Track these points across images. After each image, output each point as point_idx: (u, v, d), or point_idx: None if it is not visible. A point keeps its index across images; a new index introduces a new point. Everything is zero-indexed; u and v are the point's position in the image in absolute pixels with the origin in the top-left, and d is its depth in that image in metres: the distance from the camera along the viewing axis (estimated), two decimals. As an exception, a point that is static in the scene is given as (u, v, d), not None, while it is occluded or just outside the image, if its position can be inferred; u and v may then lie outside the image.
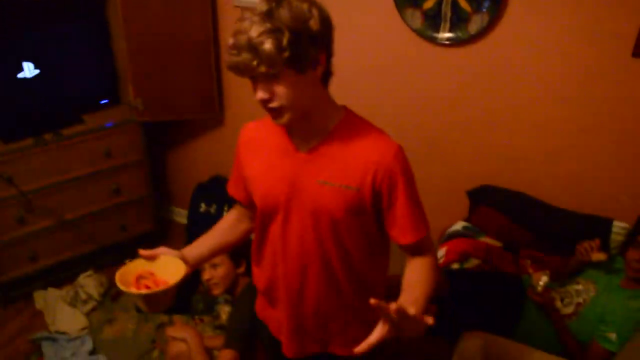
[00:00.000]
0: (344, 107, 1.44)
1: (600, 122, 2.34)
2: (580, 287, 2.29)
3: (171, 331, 2.44)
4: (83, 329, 2.93)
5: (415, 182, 1.43)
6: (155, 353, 2.73)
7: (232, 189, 1.65)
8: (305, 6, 1.22)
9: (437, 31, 2.44)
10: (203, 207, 3.31)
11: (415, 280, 1.41)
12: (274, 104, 1.27)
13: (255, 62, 1.18)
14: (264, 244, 1.56)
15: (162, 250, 1.50)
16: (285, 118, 1.30)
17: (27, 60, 2.81)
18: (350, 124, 1.41)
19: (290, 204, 1.42)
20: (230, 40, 1.21)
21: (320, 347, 1.63)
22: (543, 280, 2.23)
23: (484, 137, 2.58)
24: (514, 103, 2.46)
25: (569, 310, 2.26)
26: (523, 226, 2.54)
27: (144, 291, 1.38)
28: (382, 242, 1.53)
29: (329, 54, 1.31)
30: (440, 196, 2.77)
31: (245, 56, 1.18)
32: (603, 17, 2.17)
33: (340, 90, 2.79)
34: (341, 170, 1.37)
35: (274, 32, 1.17)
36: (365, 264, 1.51)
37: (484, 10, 2.31)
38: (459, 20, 2.38)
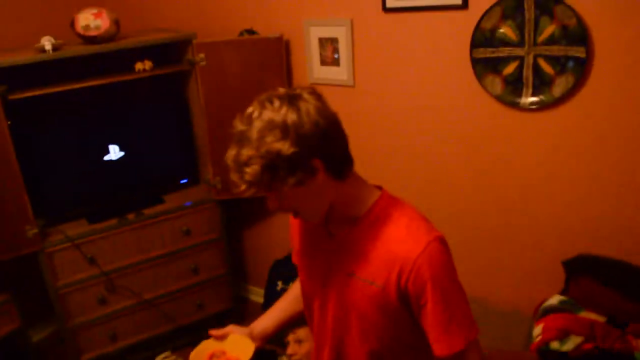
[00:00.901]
0: (380, 191, 1.33)
1: None
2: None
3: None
4: (161, 411, 2.84)
5: (453, 280, 1.25)
6: None
7: (295, 258, 1.61)
8: (276, 133, 1.13)
9: (520, 96, 2.36)
10: (280, 285, 3.24)
11: None
12: (287, 211, 1.26)
13: (243, 185, 1.18)
14: (311, 321, 1.51)
15: (231, 328, 1.55)
16: (306, 219, 1.30)
17: (113, 143, 2.93)
18: (383, 210, 1.29)
19: (326, 292, 1.37)
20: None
21: None
22: None
23: (575, 203, 2.42)
24: (605, 166, 2.30)
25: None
26: (630, 298, 2.31)
27: None
28: (420, 345, 1.32)
29: (328, 154, 1.20)
30: (531, 267, 2.60)
31: (233, 176, 1.19)
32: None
33: (423, 162, 2.72)
34: (367, 264, 1.26)
35: (252, 158, 1.15)
36: None
37: (568, 72, 2.22)
38: (541, 83, 2.30)
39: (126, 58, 2.90)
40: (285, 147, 1.13)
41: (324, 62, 2.88)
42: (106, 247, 2.90)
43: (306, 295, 1.47)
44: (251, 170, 1.14)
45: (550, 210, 2.48)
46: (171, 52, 3.04)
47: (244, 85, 2.96)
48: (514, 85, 2.36)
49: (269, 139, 1.13)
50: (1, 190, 2.57)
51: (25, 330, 2.92)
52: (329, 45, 2.84)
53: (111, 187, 3.04)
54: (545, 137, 2.39)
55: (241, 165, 1.16)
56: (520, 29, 2.28)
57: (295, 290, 1.64)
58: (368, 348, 1.33)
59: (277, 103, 1.16)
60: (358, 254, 1.28)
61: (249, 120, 1.17)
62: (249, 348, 1.46)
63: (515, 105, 2.38)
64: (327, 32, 2.82)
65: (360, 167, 2.82)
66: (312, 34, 2.88)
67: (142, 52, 2.92)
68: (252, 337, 1.54)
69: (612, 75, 2.18)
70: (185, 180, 3.20)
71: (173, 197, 3.12)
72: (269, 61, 2.96)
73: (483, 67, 2.40)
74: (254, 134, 1.14)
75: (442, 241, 1.24)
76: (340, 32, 2.77)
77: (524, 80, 2.33)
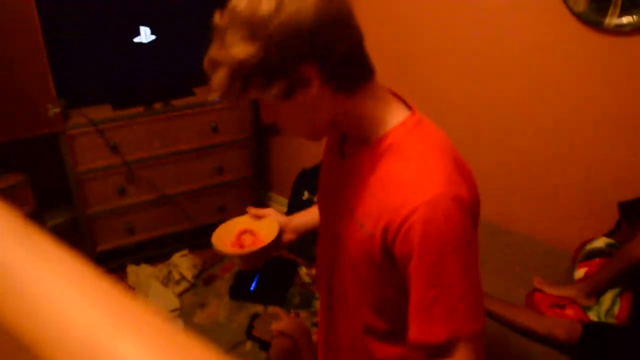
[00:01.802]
0: (408, 112, 1.02)
1: None
2: None
3: (278, 326, 2.23)
4: (174, 310, 2.77)
5: (453, 258, 0.90)
6: (249, 345, 2.54)
7: None
8: (243, 33, 0.88)
9: (605, 16, 2.10)
10: (306, 194, 3.09)
11: None
12: (281, 127, 1.06)
13: (213, 93, 0.97)
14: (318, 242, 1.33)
15: (269, 211, 1.44)
16: (304, 137, 1.09)
17: (144, 24, 2.69)
18: (399, 140, 0.98)
19: (330, 213, 1.20)
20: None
21: None
22: None
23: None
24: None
25: None
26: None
27: (237, 251, 1.38)
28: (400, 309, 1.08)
29: (325, 58, 0.91)
30: (585, 204, 2.42)
31: (212, 80, 0.96)
32: None
33: (480, 81, 2.48)
34: (363, 201, 1.01)
35: (219, 63, 0.92)
36: (382, 324, 1.13)
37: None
38: (632, 4, 2.03)
39: None
40: (251, 52, 0.87)
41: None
42: (130, 135, 2.74)
43: (321, 221, 1.30)
44: (217, 78, 0.93)
45: (617, 145, 2.28)
46: None
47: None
48: (600, 2, 2.09)
49: (234, 39, 0.88)
50: (24, 64, 2.38)
51: (40, 215, 2.80)
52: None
53: (139, 73, 2.83)
54: (627, 67, 2.15)
55: (209, 69, 0.96)
56: None
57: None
58: (357, 291, 1.12)
59: None
60: (358, 186, 1.03)
61: (227, 11, 0.92)
62: (273, 232, 1.37)
63: (599, 26, 2.12)
64: None
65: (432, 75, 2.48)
66: None
67: None
68: (288, 228, 1.43)
69: None
70: (217, 74, 2.99)
71: (204, 90, 2.91)
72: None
73: (569, -22, 2.13)
74: (223, 31, 0.91)
75: (459, 201, 0.90)
76: None
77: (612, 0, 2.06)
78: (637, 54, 2.09)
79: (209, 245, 3.18)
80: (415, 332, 0.95)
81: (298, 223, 1.45)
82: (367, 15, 1.07)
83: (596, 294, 2.11)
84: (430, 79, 2.65)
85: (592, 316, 2.10)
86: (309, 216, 1.46)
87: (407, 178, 0.93)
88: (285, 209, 3.36)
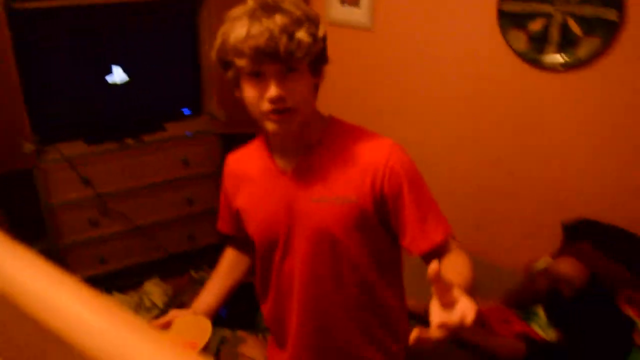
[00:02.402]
0: (330, 116, 1.31)
1: None
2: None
3: (244, 349, 2.34)
4: (146, 337, 2.85)
5: (423, 180, 1.25)
6: (218, 369, 2.62)
7: (224, 226, 1.53)
8: (313, 10, 1.17)
9: (542, 54, 2.31)
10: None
11: (454, 269, 1.14)
12: (287, 104, 1.13)
13: (292, 47, 1.08)
14: (269, 279, 1.40)
15: (174, 313, 1.47)
16: (295, 123, 1.17)
17: (117, 64, 2.82)
18: (337, 132, 1.27)
19: (291, 231, 1.28)
20: (248, 28, 1.08)
21: None
22: None
23: (586, 165, 2.41)
24: (623, 135, 2.29)
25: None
26: (623, 264, 2.34)
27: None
28: (396, 261, 1.38)
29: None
30: (532, 227, 2.61)
31: (283, 41, 1.07)
32: None
33: (436, 113, 2.68)
34: (334, 182, 1.22)
35: (308, 21, 1.12)
36: (382, 287, 1.34)
37: (597, 34, 2.17)
38: (567, 44, 2.25)
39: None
40: (322, 29, 1.15)
41: (344, 2, 2.79)
42: (102, 170, 2.84)
43: (264, 245, 1.35)
44: (309, 32, 1.11)
45: (559, 172, 2.48)
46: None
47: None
48: (539, 42, 2.30)
49: (313, 13, 1.15)
50: (0, 101, 2.47)
51: (14, 246, 2.86)
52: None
53: (112, 110, 2.95)
54: (563, 99, 2.35)
55: (299, 25, 1.10)
56: (553, -16, 2.21)
57: (225, 263, 1.57)
58: (343, 278, 1.28)
59: None
60: (322, 178, 1.23)
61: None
62: (205, 327, 1.38)
63: (537, 64, 2.33)
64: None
65: (372, 113, 2.78)
66: (333, -31, 2.77)
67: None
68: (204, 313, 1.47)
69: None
70: (188, 111, 3.12)
71: (174, 126, 3.04)
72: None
73: (509, 20, 2.34)
74: (292, 6, 1.12)
75: (398, 144, 1.25)
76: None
77: (549, 39, 2.28)
78: (570, 87, 2.31)
79: (179, 272, 3.28)
80: (422, 244, 1.22)
81: (206, 307, 1.49)
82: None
83: (518, 307, 2.30)
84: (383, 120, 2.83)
85: (536, 328, 2.26)
86: (212, 296, 1.51)
87: (363, 144, 1.23)
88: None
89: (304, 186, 1.24)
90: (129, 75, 2.86)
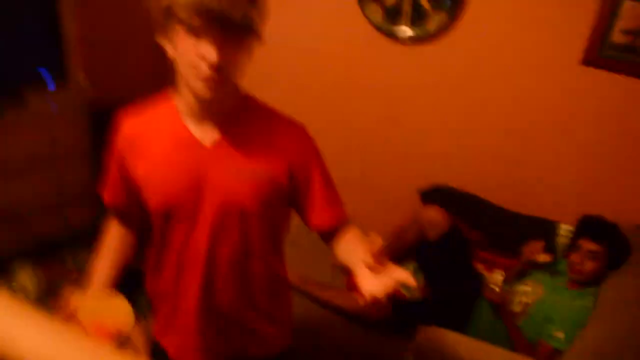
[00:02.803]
0: (245, 92, 1.33)
1: (550, 127, 2.39)
2: (528, 288, 2.33)
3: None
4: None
5: (324, 161, 1.36)
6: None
7: (110, 196, 1.43)
8: None
9: (397, 27, 2.44)
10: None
11: (356, 242, 1.29)
12: (225, 71, 1.12)
13: (248, 17, 1.09)
14: (164, 252, 1.38)
15: (75, 301, 1.35)
16: (226, 90, 1.18)
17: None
18: (254, 109, 1.31)
19: (200, 202, 1.27)
20: None
21: (234, 355, 1.49)
22: (499, 280, 2.26)
23: (437, 136, 2.60)
24: (469, 104, 2.48)
25: (517, 309, 2.29)
26: (474, 227, 2.56)
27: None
28: (283, 234, 1.45)
29: None
30: (391, 195, 2.77)
31: (242, 8, 1.07)
32: (556, 22, 2.22)
33: (294, 80, 2.75)
34: (252, 158, 1.26)
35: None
36: (272, 258, 1.42)
37: (444, 9, 2.32)
38: (418, 18, 2.39)
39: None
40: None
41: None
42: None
43: (164, 216, 1.31)
44: (262, 2, 1.13)
45: (414, 142, 2.64)
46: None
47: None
48: (393, 16, 2.43)
49: None
50: None
51: None
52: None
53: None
54: (416, 69, 2.51)
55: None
56: (403, -38, 2.34)
57: (112, 240, 1.49)
58: (253, 248, 1.33)
59: None
60: (240, 152, 1.25)
61: None
62: (123, 307, 1.33)
63: (392, 35, 2.47)
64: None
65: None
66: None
67: None
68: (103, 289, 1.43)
69: (482, 18, 2.32)
70: (52, 84, 2.90)
71: (37, 99, 2.86)
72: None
73: (367, -6, 2.45)
74: None
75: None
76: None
77: (403, 13, 2.41)
78: (419, 58, 2.46)
79: (52, 258, 3.15)
80: (330, 218, 1.35)
81: (103, 285, 1.44)
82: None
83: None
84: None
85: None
86: (104, 274, 1.45)
87: (279, 124, 1.31)
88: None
89: (221, 159, 1.25)
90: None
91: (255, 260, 1.36)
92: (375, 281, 1.08)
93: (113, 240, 1.49)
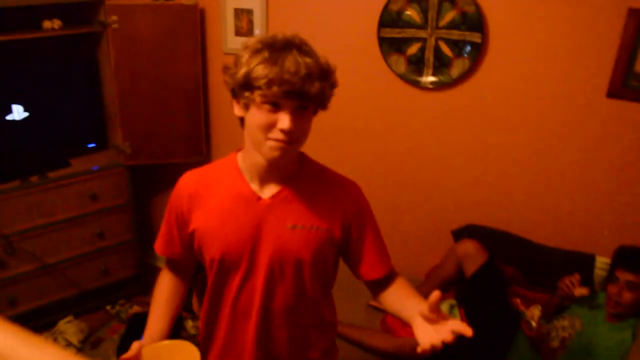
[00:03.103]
0: (303, 154, 1.45)
1: (577, 161, 2.44)
2: (565, 322, 2.32)
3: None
4: (62, 376, 2.84)
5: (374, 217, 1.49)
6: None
7: (165, 248, 1.53)
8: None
9: (421, 75, 2.56)
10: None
11: (412, 291, 1.42)
12: (294, 138, 1.25)
13: (320, 94, 1.23)
14: (220, 301, 1.47)
15: (137, 344, 1.33)
16: (292, 154, 1.32)
17: (17, 102, 2.85)
18: (311, 168, 1.43)
19: (256, 254, 1.37)
20: (283, 62, 1.18)
21: None
22: (536, 314, 2.27)
23: (467, 178, 2.67)
24: (495, 143, 2.56)
25: (555, 344, 2.29)
26: (508, 263, 2.60)
27: None
28: (332, 282, 1.55)
29: None
30: (425, 237, 2.83)
31: (316, 86, 1.21)
32: (577, 59, 2.31)
33: (328, 136, 2.86)
34: (310, 212, 1.37)
35: (331, 72, 1.28)
36: (323, 305, 1.51)
37: (465, 55, 2.44)
38: (441, 65, 2.50)
39: (35, 15, 2.82)
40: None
41: (238, 33, 2.96)
42: (7, 209, 2.83)
43: (223, 267, 1.40)
44: (334, 77, 1.29)
45: (445, 185, 2.72)
46: (82, 11, 2.98)
47: (157, 50, 2.99)
48: (416, 65, 2.56)
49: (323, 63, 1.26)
50: None
51: None
52: (244, 16, 2.92)
53: (14, 148, 2.95)
54: (442, 114, 2.61)
55: (324, 69, 1.24)
56: (424, 12, 2.47)
57: (166, 290, 1.56)
58: (305, 297, 1.42)
59: None
60: (297, 206, 1.36)
61: (299, 38, 1.25)
62: (192, 352, 1.30)
63: (417, 84, 2.58)
64: (243, 2, 2.90)
65: None
66: (228, 3, 2.95)
67: (52, 10, 2.86)
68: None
69: (504, 60, 2.42)
70: (93, 145, 3.17)
71: (80, 160, 3.08)
72: (183, 28, 2.99)
73: (389, 46, 2.58)
74: (306, 46, 1.24)
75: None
76: (255, 3, 2.86)
77: (425, 61, 2.53)
78: (444, 104, 2.56)
79: (94, 309, 3.27)
80: (381, 268, 1.45)
81: (160, 333, 1.48)
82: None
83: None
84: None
85: None
86: (162, 322, 1.50)
87: (334, 182, 1.43)
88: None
89: (279, 213, 1.36)
90: (30, 112, 2.89)
91: (308, 308, 1.46)
92: (433, 332, 1.18)
93: (167, 290, 1.57)
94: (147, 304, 3.25)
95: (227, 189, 1.39)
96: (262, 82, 1.18)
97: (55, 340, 2.99)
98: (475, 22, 2.38)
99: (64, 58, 3.10)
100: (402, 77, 2.59)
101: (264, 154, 1.27)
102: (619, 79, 2.27)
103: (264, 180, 1.37)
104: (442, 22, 2.45)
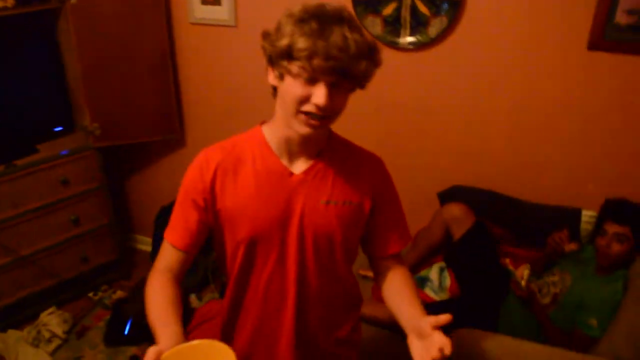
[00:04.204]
0: (330, 129, 1.44)
1: (560, 114, 2.48)
2: (556, 278, 2.40)
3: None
4: (49, 369, 2.85)
5: None
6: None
7: (181, 238, 1.39)
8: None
9: (398, 36, 2.54)
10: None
11: (411, 295, 1.40)
12: (328, 113, 1.22)
13: (364, 72, 1.20)
14: (248, 287, 1.43)
15: (153, 351, 1.10)
16: (324, 129, 1.33)
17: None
18: (338, 143, 1.43)
19: (287, 232, 1.35)
20: (329, 36, 1.14)
21: None
22: (526, 274, 2.33)
23: (448, 137, 2.70)
24: (477, 102, 2.58)
25: (546, 300, 2.36)
26: (495, 223, 2.64)
27: None
28: (355, 259, 1.55)
29: None
30: (410, 200, 2.84)
31: (361, 64, 1.18)
32: (557, 13, 2.32)
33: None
34: (342, 187, 1.38)
35: (377, 49, 1.25)
36: (351, 281, 1.54)
37: (443, 13, 2.42)
38: (418, 24, 2.49)
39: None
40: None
41: (205, 1, 2.90)
42: (-26, 201, 2.78)
43: (252, 244, 1.35)
44: (379, 56, 1.25)
45: (427, 146, 2.74)
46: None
47: (120, 24, 2.91)
48: (393, 25, 2.54)
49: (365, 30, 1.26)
50: None
51: None
52: (210, -18, 2.85)
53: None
54: (421, 75, 2.61)
55: (372, 48, 1.22)
56: (399, -30, 2.44)
57: (167, 296, 1.33)
58: (331, 273, 1.43)
59: None
60: (328, 181, 1.37)
61: (347, 11, 1.21)
62: (226, 352, 1.11)
63: (395, 45, 2.57)
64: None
65: (245, 109, 2.89)
66: (191, -30, 2.87)
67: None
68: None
69: (482, 16, 2.42)
70: (60, 128, 3.10)
71: (47, 146, 3.01)
72: (146, -1, 2.92)
73: (364, 8, 2.56)
74: (355, 21, 1.21)
75: None
76: (221, -31, 2.79)
77: (402, 21, 2.51)
78: (423, 64, 2.56)
79: (76, 297, 3.24)
80: (400, 243, 1.48)
81: (178, 337, 1.22)
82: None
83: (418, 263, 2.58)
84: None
85: (429, 292, 2.50)
86: (177, 325, 1.27)
87: (360, 156, 1.44)
88: (150, 248, 3.53)
89: (313, 189, 1.36)
90: (-10, 100, 2.81)
91: (339, 286, 1.48)
92: (425, 351, 1.18)
93: (168, 294, 1.35)
94: (130, 289, 3.29)
95: (256, 165, 1.36)
96: (303, 54, 1.14)
97: (39, 333, 2.98)
98: (452, -22, 2.37)
99: (21, 38, 2.99)
100: (379, 39, 2.57)
101: (296, 127, 1.25)
102: (599, 30, 2.29)
103: (294, 155, 1.36)
104: (418, -21, 2.43)
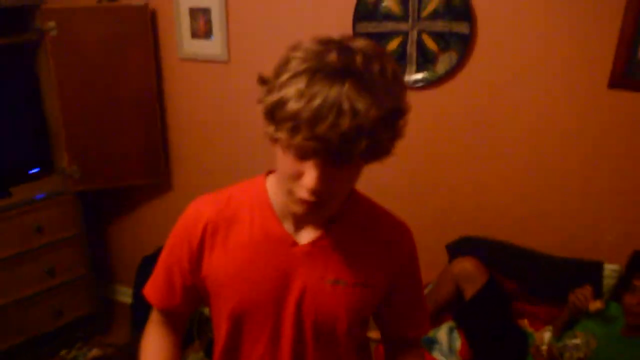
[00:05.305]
0: (352, 190, 1.19)
1: (577, 160, 2.37)
2: (578, 340, 2.23)
3: None
4: None
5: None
6: None
7: (162, 299, 1.27)
8: (398, 82, 0.95)
9: (404, 74, 2.43)
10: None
11: None
12: (323, 198, 0.98)
13: (367, 151, 0.91)
14: (238, 358, 1.25)
15: None
16: (323, 215, 1.10)
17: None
18: (358, 208, 1.19)
19: (283, 311, 1.16)
20: (324, 113, 0.86)
21: None
22: (547, 338, 2.21)
23: (459, 184, 2.56)
24: (489, 143, 2.46)
25: (571, 366, 2.20)
26: (510, 277, 2.50)
27: None
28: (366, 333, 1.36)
29: None
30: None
31: (361, 144, 0.89)
32: (575, 50, 2.22)
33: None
34: (356, 265, 1.15)
35: (399, 112, 0.95)
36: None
37: (452, 48, 2.32)
38: (425, 61, 2.38)
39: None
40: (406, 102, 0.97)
41: (195, 35, 2.82)
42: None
43: (242, 327, 1.19)
44: (392, 129, 0.94)
45: (435, 192, 2.61)
46: (16, 18, 2.76)
47: (104, 59, 2.81)
48: (398, 62, 2.43)
49: (396, 88, 0.93)
50: None
51: None
52: (200, 15, 2.78)
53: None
54: (430, 115, 2.50)
55: (388, 116, 0.91)
56: (404, 2, 2.35)
57: (162, 352, 1.29)
58: (335, 354, 1.22)
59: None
60: (340, 258, 1.15)
61: (366, 57, 0.90)
62: None
63: (400, 83, 2.46)
64: (199, 1, 2.75)
65: (239, 151, 2.77)
66: (182, 2, 2.80)
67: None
68: None
69: (495, 52, 2.32)
70: (36, 170, 2.96)
71: (22, 189, 2.87)
72: (132, 32, 2.83)
73: (367, 42, 2.45)
74: (370, 69, 0.89)
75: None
76: (212, 1, 2.72)
77: (408, 57, 2.41)
78: (430, 104, 2.46)
79: (47, 356, 3.07)
80: (422, 328, 1.32)
81: None
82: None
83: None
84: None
85: (437, 356, 2.34)
86: None
87: (384, 226, 1.21)
88: (130, 299, 3.36)
89: (319, 265, 1.14)
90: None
91: None
92: None
93: (164, 349, 1.30)
94: (108, 346, 3.10)
95: (254, 227, 1.15)
96: (286, 125, 0.89)
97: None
98: (462, 11, 2.27)
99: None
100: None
101: (290, 205, 1.03)
102: (620, 68, 2.19)
103: (300, 221, 1.14)
104: (425, 13, 2.33)
